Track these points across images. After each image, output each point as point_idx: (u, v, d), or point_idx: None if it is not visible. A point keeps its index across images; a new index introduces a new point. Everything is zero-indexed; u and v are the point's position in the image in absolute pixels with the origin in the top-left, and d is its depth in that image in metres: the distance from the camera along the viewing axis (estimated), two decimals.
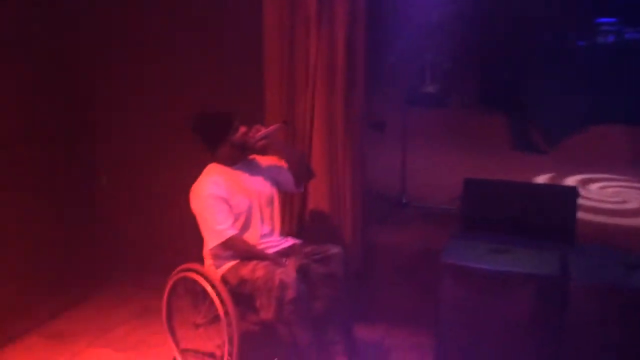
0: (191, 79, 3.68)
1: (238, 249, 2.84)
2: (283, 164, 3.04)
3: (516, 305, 2.67)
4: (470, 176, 3.28)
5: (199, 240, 2.93)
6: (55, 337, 3.40)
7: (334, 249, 2.92)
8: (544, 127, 5.10)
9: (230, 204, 2.84)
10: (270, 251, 2.92)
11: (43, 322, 3.52)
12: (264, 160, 3.06)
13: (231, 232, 2.80)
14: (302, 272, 2.79)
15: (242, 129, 2.89)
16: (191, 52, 3.67)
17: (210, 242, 2.83)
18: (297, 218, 3.41)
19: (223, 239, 2.79)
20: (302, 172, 3.07)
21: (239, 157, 2.94)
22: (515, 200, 3.18)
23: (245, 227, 2.90)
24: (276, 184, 3.05)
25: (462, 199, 3.24)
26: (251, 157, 3.03)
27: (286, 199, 3.40)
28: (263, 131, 2.88)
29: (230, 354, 2.77)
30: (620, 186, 4.57)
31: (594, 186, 4.48)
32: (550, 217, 3.08)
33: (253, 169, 3.00)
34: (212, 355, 3.07)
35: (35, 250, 3.54)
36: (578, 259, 2.79)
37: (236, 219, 2.86)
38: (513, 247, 2.90)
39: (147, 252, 4.01)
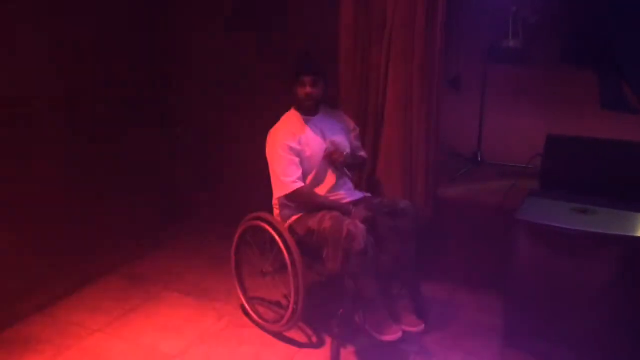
0: (266, 27, 3.63)
1: (303, 202, 2.83)
2: (357, 129, 3.08)
3: (597, 268, 2.52)
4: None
5: (269, 190, 2.94)
6: (131, 279, 3.55)
7: (404, 203, 2.86)
8: (635, 84, 4.75)
9: (302, 155, 2.83)
10: (340, 203, 2.89)
11: (120, 264, 3.68)
12: (342, 117, 3.04)
13: (297, 185, 2.78)
14: (370, 225, 2.74)
15: (308, 89, 2.84)
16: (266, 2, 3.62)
17: (277, 192, 2.84)
18: (368, 171, 3.35)
19: (288, 191, 2.79)
20: (356, 169, 3.13)
21: (306, 108, 2.91)
22: (600, 159, 2.97)
23: (317, 177, 2.89)
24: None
25: (543, 156, 3.06)
26: (330, 109, 3.01)
27: None
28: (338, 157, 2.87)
29: (296, 304, 2.78)
30: None
31: None
32: (638, 177, 2.86)
33: (330, 119, 2.96)
34: (278, 304, 3.11)
35: (117, 197, 3.67)
36: None
37: (309, 170, 2.85)
38: (596, 207, 2.72)
39: (220, 203, 4.08)
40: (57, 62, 3.26)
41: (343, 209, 2.78)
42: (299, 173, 2.81)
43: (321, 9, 3.39)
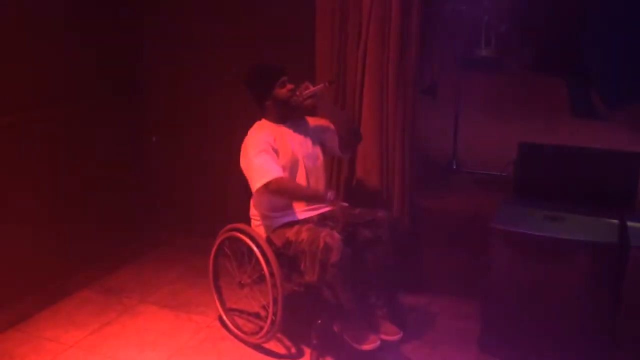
0: (241, 35, 3.63)
1: (284, 192, 2.75)
2: (331, 125, 3.00)
3: (570, 274, 2.57)
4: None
5: (245, 202, 2.93)
6: (107, 292, 3.51)
7: (381, 213, 2.87)
8: (606, 92, 4.87)
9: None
10: (316, 212, 2.89)
11: (96, 278, 3.63)
12: (313, 121, 3.03)
13: (277, 174, 2.69)
14: (348, 236, 2.75)
15: (289, 86, 2.85)
16: (241, 6, 3.61)
17: (255, 183, 2.71)
18: (345, 181, 3.37)
19: (268, 179, 2.67)
20: (349, 136, 3.00)
21: (285, 114, 2.90)
22: (572, 166, 3.03)
23: None
24: (322, 145, 3.02)
25: (516, 164, 3.11)
26: (301, 117, 2.99)
27: (334, 162, 3.36)
28: (310, 89, 2.84)
29: (274, 315, 2.78)
30: None
31: None
32: (610, 184, 2.92)
33: (301, 128, 2.96)
34: (256, 315, 3.10)
35: (89, 209, 3.62)
36: (638, 225, 2.65)
37: None
38: (568, 214, 2.78)
39: (196, 214, 4.06)
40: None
41: (323, 198, 2.76)
42: (279, 166, 2.74)
43: (297, 22, 3.41)
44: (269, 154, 2.76)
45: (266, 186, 2.69)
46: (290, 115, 2.92)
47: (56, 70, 3.36)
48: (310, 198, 2.78)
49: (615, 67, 4.75)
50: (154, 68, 3.94)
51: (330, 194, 2.76)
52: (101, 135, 3.68)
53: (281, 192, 2.76)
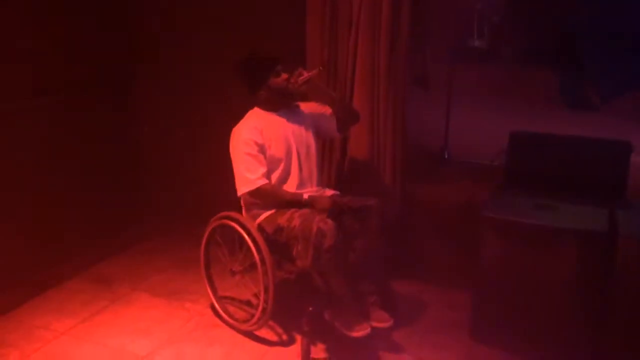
0: (232, 25, 3.62)
1: (267, 199, 2.82)
2: (326, 109, 3.00)
3: (561, 262, 2.59)
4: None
5: (235, 189, 2.92)
6: (98, 281, 3.50)
7: (371, 201, 2.87)
8: (597, 82, 4.89)
9: (267, 152, 2.82)
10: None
11: (87, 266, 3.62)
12: (307, 107, 3.02)
13: (261, 182, 2.78)
14: (338, 222, 2.75)
15: (284, 75, 2.84)
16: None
17: (240, 188, 2.82)
18: (336, 169, 3.37)
19: (252, 188, 2.78)
20: (345, 115, 3.01)
21: (279, 102, 2.90)
22: (563, 155, 3.05)
23: (284, 174, 2.88)
24: (318, 131, 3.02)
25: (507, 153, 3.12)
26: (295, 103, 2.99)
27: (326, 150, 3.36)
28: (305, 76, 2.83)
29: (266, 302, 2.78)
30: None
31: None
32: (600, 173, 2.95)
33: (295, 115, 2.96)
34: (248, 302, 3.11)
35: (80, 197, 3.61)
36: (628, 215, 2.67)
37: (275, 167, 2.85)
38: (559, 203, 2.79)
39: (186, 202, 4.05)
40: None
41: (309, 202, 2.78)
42: (264, 170, 2.80)
43: (288, 9, 3.39)
44: (253, 156, 2.78)
45: (250, 194, 2.80)
46: (284, 103, 2.92)
47: (45, 63, 3.34)
48: (290, 203, 2.81)
49: (609, 59, 4.77)
50: (145, 58, 3.92)
51: (305, 196, 2.81)
52: (94, 125, 3.67)
53: (262, 198, 2.84)
